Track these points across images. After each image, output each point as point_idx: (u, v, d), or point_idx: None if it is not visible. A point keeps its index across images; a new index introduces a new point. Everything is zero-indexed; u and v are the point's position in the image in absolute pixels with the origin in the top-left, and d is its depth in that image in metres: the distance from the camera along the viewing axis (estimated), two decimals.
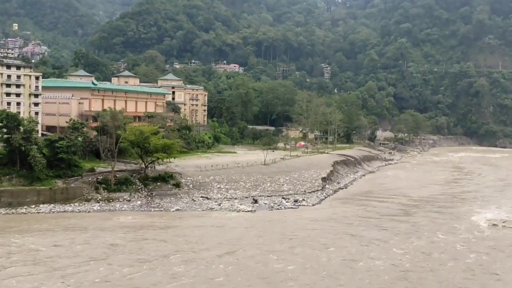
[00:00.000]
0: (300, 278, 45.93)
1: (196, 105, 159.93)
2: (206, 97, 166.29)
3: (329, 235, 61.47)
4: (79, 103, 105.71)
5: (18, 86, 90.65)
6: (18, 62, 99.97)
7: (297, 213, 74.98)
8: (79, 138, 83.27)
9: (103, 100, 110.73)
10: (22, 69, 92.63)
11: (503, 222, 72.07)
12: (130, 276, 44.85)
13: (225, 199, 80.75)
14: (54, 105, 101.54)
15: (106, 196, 75.91)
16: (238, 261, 49.96)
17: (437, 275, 47.84)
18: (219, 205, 77.43)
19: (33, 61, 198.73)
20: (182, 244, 55.49)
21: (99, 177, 78.85)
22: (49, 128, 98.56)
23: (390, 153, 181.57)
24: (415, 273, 48.07)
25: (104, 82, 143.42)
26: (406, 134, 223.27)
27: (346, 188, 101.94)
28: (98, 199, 74.97)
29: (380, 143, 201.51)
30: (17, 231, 58.24)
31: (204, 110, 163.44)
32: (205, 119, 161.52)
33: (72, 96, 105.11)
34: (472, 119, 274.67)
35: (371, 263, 50.59)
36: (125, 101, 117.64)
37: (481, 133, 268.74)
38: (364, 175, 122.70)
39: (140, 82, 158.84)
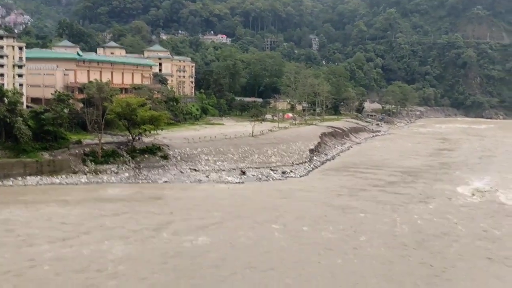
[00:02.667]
0: (286, 249, 46.53)
1: (184, 76, 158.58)
2: (194, 69, 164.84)
3: (317, 206, 62.05)
4: (64, 74, 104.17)
5: (1, 57, 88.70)
6: (0, 32, 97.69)
7: (285, 184, 75.48)
8: (65, 110, 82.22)
9: (88, 71, 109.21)
10: (5, 39, 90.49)
11: (486, 191, 73.75)
12: (121, 248, 45.02)
13: (213, 171, 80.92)
14: (39, 77, 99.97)
15: (93, 168, 75.59)
16: (226, 232, 50.33)
17: (432, 244, 48.68)
18: (207, 177, 77.63)
19: (16, 31, 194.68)
20: (171, 215, 55.68)
21: (86, 149, 78.35)
22: (34, 100, 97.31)
23: (378, 124, 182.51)
24: (409, 242, 48.84)
25: (89, 53, 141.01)
26: (393, 106, 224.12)
27: (333, 159, 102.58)
28: (85, 171, 74.64)
29: (368, 115, 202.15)
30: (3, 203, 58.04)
31: (192, 82, 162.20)
32: (193, 90, 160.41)
33: (57, 67, 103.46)
34: (459, 90, 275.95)
35: (359, 233, 51.27)
36: (111, 72, 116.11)
37: (468, 104, 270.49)
38: (351, 147, 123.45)
39: (126, 53, 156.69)
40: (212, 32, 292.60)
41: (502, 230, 54.65)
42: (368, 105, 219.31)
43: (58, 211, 55.79)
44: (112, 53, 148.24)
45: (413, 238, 50.15)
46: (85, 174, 73.89)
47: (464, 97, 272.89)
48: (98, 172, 74.87)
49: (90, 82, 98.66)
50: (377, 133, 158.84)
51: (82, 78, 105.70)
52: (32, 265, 40.55)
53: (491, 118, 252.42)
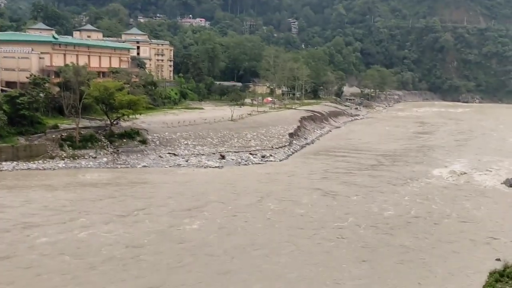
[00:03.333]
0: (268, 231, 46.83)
1: (162, 60, 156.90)
2: (172, 52, 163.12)
3: (297, 189, 62.41)
4: (40, 57, 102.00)
5: None
6: None
7: (265, 168, 75.65)
8: (41, 94, 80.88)
9: (65, 55, 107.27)
10: None
11: (464, 173, 75.32)
12: (118, 232, 44.74)
13: (193, 155, 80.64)
14: (13, 60, 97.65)
15: (71, 153, 74.62)
16: (207, 216, 50.37)
17: (415, 226, 49.43)
18: (187, 161, 77.35)
19: None
20: (150, 200, 55.45)
21: (63, 134, 77.22)
22: (9, 84, 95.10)
23: (357, 108, 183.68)
24: (392, 223, 49.51)
25: (65, 36, 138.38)
26: (372, 90, 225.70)
27: (313, 143, 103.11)
28: (63, 156, 73.65)
29: (347, 99, 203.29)
30: None
31: (170, 66, 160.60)
32: (171, 74, 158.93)
33: (32, 50, 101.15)
34: (436, 74, 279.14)
35: (337, 216, 51.82)
36: (88, 56, 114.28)
37: (445, 88, 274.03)
38: (331, 131, 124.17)
39: (103, 36, 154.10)
40: (190, 15, 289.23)
41: (482, 211, 55.65)
42: (347, 89, 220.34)
43: (46, 196, 55.26)
44: (88, 36, 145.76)
45: (395, 220, 50.82)
46: (63, 159, 72.90)
47: (441, 81, 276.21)
48: (76, 157, 73.94)
49: (66, 65, 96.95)
50: (356, 117, 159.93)
51: (58, 61, 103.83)
52: (32, 250, 40.19)
53: (467, 102, 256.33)
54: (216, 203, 54.93)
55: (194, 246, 42.40)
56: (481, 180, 70.86)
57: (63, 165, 71.15)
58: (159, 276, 36.36)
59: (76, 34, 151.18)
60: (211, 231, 45.91)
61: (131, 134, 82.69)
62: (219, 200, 56.14)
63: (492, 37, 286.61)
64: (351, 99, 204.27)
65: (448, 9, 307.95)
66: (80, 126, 78.84)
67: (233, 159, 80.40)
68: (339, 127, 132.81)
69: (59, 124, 79.81)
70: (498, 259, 32.75)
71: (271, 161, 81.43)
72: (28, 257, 38.98)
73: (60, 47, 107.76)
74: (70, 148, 75.49)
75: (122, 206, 52.95)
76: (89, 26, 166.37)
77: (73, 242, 42.20)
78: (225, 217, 50.23)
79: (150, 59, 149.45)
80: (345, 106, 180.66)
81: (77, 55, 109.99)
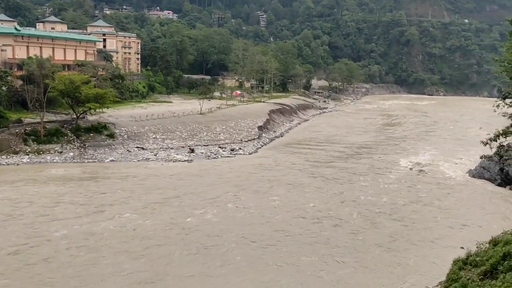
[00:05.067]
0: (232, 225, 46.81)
1: (129, 53, 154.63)
2: (140, 45, 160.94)
3: (264, 182, 62.54)
4: (1, 50, 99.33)
5: None
6: None
7: (234, 161, 75.56)
8: (3, 88, 78.83)
9: (28, 47, 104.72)
10: None
11: (428, 163, 76.84)
12: (67, 232, 43.93)
13: (161, 149, 79.94)
14: None
15: (35, 148, 72.94)
16: (180, 209, 50.01)
17: (383, 217, 50.16)
18: (155, 155, 76.61)
19: None
20: (118, 194, 54.70)
21: (27, 129, 75.38)
22: None
23: (325, 101, 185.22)
24: (363, 213, 50.15)
25: (28, 28, 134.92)
26: (340, 83, 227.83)
27: (282, 136, 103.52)
28: (27, 151, 71.94)
29: (315, 92, 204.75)
30: None
31: (138, 59, 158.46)
32: (139, 68, 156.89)
33: None
34: (402, 67, 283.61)
35: (306, 207, 52.21)
36: (53, 48, 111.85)
37: (411, 81, 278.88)
38: (299, 124, 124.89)
39: (68, 28, 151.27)
40: (158, 8, 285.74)
41: (448, 201, 56.76)
42: (315, 82, 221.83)
43: (10, 191, 53.85)
44: (52, 28, 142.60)
45: (362, 210, 51.53)
46: (27, 154, 71.22)
47: (407, 74, 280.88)
48: (41, 152, 72.33)
49: (29, 58, 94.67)
50: (325, 110, 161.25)
51: (21, 54, 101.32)
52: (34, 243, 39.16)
53: (432, 95, 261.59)
54: (187, 196, 54.54)
55: (158, 244, 41.93)
56: (446, 171, 72.44)
57: (28, 160, 69.52)
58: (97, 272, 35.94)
59: (39, 26, 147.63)
60: (183, 223, 45.63)
61: (98, 128, 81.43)
62: (190, 193, 55.78)
63: (455, 31, 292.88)
64: (319, 92, 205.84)
65: (414, 3, 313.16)
66: (45, 120, 77.11)
67: (202, 153, 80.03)
68: (307, 120, 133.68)
69: (22, 118, 77.94)
70: (462, 248, 33.57)
71: (241, 154, 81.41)
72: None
73: (22, 39, 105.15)
74: (35, 143, 73.77)
75: (86, 200, 52.01)
76: (53, 18, 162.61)
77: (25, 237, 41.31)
78: (198, 209, 49.95)
79: (117, 52, 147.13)
80: (314, 99, 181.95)
81: (40, 47, 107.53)
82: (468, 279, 19.65)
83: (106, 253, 38.88)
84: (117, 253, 38.83)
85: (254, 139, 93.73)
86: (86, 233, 42.66)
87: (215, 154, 79.75)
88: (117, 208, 50.02)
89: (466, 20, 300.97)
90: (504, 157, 49.94)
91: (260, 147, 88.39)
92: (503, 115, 31.36)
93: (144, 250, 39.70)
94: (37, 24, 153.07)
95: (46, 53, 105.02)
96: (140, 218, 46.92)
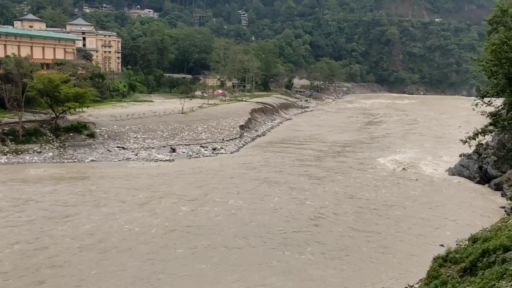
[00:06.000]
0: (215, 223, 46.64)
1: (109, 52, 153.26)
2: (120, 44, 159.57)
3: (246, 181, 62.44)
4: None
5: None
6: None
7: (216, 161, 75.32)
8: None
9: (5, 45, 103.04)
10: None
11: (409, 161, 77.67)
12: (50, 232, 43.29)
13: (142, 149, 79.35)
14: None
15: (14, 148, 71.83)
16: (157, 209, 49.65)
17: (367, 213, 50.42)
18: (136, 155, 76.00)
19: None
20: (97, 195, 54.09)
21: (5, 128, 74.21)
22: None
23: (307, 100, 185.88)
24: (348, 209, 50.33)
25: (5, 26, 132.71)
26: (321, 82, 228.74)
27: (264, 135, 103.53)
28: (5, 151, 70.75)
29: (297, 91, 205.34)
30: None
31: (118, 58, 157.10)
32: (119, 66, 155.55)
33: None
34: (383, 66, 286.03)
35: (284, 205, 52.26)
36: (31, 47, 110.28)
37: (391, 80, 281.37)
38: (281, 123, 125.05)
39: (46, 26, 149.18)
40: (138, 6, 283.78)
41: (428, 198, 57.28)
42: (297, 81, 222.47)
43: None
44: (31, 27, 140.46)
45: (344, 208, 51.75)
46: (5, 154, 70.04)
47: (388, 73, 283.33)
48: (19, 152, 71.24)
49: (7, 57, 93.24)
50: (306, 109, 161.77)
51: None
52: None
53: (412, 94, 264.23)
54: (168, 196, 54.17)
55: (143, 243, 41.71)
56: (426, 169, 73.17)
57: (6, 160, 68.43)
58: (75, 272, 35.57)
59: (17, 24, 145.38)
60: (168, 222, 45.32)
61: (78, 128, 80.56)
62: (170, 193, 55.42)
63: (435, 31, 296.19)
64: (301, 91, 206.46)
65: (394, 3, 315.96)
66: (23, 119, 75.95)
67: (184, 152, 79.64)
68: (289, 119, 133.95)
69: (0, 118, 76.63)
70: (441, 245, 33.87)
71: (222, 153, 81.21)
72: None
73: (0, 37, 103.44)
74: (13, 142, 72.69)
75: (64, 201, 51.30)
76: (31, 16, 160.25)
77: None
78: (179, 209, 49.64)
79: (97, 51, 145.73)
80: (295, 98, 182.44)
81: (18, 46, 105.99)
82: (448, 276, 19.77)
83: (88, 252, 38.45)
84: (100, 253, 38.42)
85: (235, 138, 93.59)
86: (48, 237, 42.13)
87: (197, 154, 79.42)
88: (91, 209, 49.46)
89: (437, 20, 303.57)
90: (482, 155, 50.51)
91: (242, 146, 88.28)
92: (481, 114, 31.57)
93: (129, 250, 39.37)
94: (15, 22, 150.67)
95: (24, 51, 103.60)
96: (121, 218, 46.46)
